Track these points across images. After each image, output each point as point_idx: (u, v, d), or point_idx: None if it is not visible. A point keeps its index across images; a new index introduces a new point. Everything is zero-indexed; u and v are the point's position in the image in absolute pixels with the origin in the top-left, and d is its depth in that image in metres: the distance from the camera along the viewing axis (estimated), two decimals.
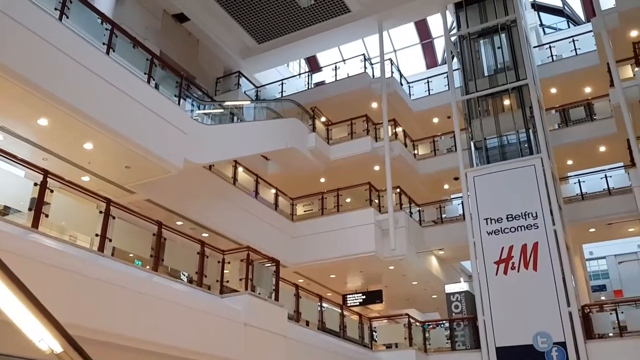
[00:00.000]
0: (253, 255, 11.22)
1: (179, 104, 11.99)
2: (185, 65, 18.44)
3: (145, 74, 11.26)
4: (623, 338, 13.36)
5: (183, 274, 11.70)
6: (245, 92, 20.89)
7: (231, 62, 21.29)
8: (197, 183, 13.61)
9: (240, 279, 10.97)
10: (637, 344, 12.76)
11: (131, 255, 10.34)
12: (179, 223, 13.42)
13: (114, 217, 9.07)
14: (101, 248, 8.64)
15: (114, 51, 10.58)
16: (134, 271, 8.92)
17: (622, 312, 13.80)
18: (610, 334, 13.84)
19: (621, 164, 17.88)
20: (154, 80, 11.45)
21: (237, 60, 21.14)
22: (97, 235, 8.72)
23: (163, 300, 8.79)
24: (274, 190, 17.15)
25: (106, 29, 10.71)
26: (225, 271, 11.06)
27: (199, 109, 14.27)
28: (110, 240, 8.87)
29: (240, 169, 15.72)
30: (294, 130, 16.61)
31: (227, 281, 10.96)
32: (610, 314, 14.03)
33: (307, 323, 13.24)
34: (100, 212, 8.94)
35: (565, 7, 27.71)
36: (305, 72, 25.05)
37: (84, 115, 9.44)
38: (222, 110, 15.76)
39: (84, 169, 11.15)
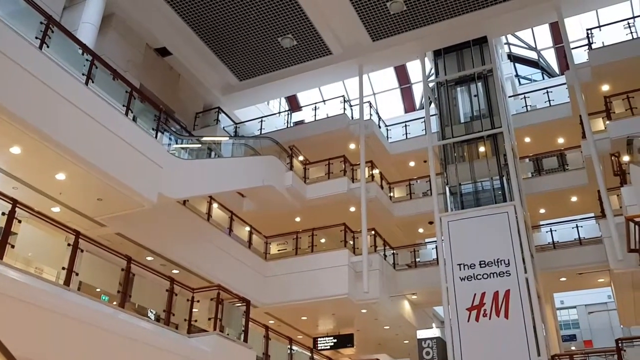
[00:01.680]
0: (223, 294, 11.04)
1: (156, 137, 11.92)
2: (165, 98, 18.44)
3: (123, 106, 11.20)
4: None
5: (151, 312, 11.41)
6: (224, 127, 20.92)
7: (211, 98, 21.38)
8: (170, 218, 13.43)
9: (210, 319, 10.74)
10: None
11: (98, 290, 10.09)
12: (149, 258, 13.16)
13: (82, 250, 8.86)
14: (67, 282, 8.40)
15: (93, 82, 10.53)
16: (99, 307, 8.67)
17: None
18: None
19: (592, 214, 18.20)
20: (132, 112, 11.39)
21: (218, 96, 21.24)
22: (63, 268, 8.49)
23: (128, 338, 8.54)
24: (248, 228, 17.00)
25: (87, 60, 10.68)
26: (194, 310, 10.84)
27: (177, 143, 14.20)
28: (77, 274, 8.64)
29: (215, 205, 15.59)
30: (272, 168, 16.60)
31: (196, 320, 10.73)
32: None
33: None
34: (69, 244, 8.73)
35: (540, 60, 28.63)
36: (285, 110, 25.25)
37: (59, 145, 9.30)
38: (199, 145, 15.70)
39: (55, 199, 10.93)
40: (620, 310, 17.23)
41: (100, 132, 10.14)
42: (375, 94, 28.23)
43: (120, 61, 16.52)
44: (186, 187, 12.92)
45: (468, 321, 14.15)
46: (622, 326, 19.95)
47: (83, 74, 10.35)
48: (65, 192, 10.72)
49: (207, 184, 13.92)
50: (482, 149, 17.25)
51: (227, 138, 19.75)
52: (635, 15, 20.43)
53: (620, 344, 13.11)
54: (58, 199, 10.91)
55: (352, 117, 20.58)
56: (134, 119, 11.49)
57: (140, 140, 11.17)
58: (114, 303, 9.40)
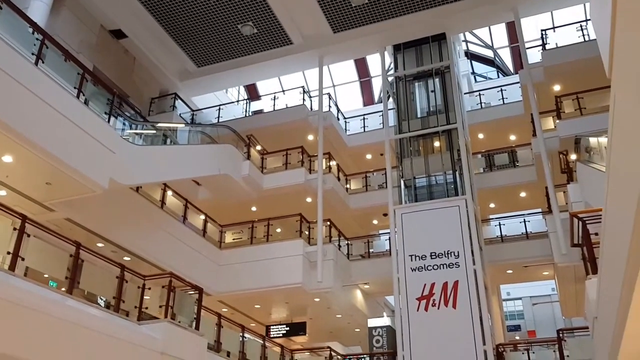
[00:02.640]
0: (176, 282, 10.97)
1: (109, 121, 11.68)
2: (119, 82, 18.03)
3: (75, 88, 10.92)
4: None
5: (101, 299, 11.25)
6: (180, 114, 20.61)
7: (168, 83, 21.00)
8: (122, 204, 13.22)
9: (161, 306, 10.66)
10: None
11: (46, 276, 9.88)
12: (99, 245, 12.94)
13: (29, 235, 8.66)
14: (12, 267, 8.20)
15: (43, 62, 10.22)
16: (46, 293, 8.48)
17: (533, 352, 14.36)
18: None
19: (539, 210, 18.83)
20: (84, 95, 11.11)
21: (174, 81, 20.88)
22: (9, 253, 8.28)
23: (75, 324, 8.40)
24: (203, 217, 16.89)
25: (37, 39, 10.36)
26: (145, 297, 10.74)
27: (131, 128, 13.95)
28: (22, 259, 8.45)
29: (169, 193, 15.42)
30: (228, 157, 16.52)
31: (147, 308, 10.63)
32: (523, 353, 14.56)
33: (228, 354, 12.97)
34: (15, 229, 8.51)
35: (496, 58, 29.29)
36: (244, 99, 25.09)
37: (5, 127, 8.98)
38: (154, 132, 15.47)
39: (1, 182, 10.60)
40: (563, 302, 17.93)
41: (50, 114, 9.87)
42: (334, 86, 28.35)
43: (72, 42, 16.06)
44: (139, 174, 12.74)
45: (417, 310, 14.49)
46: (564, 317, 20.73)
47: (33, 54, 10.03)
48: (12, 175, 10.40)
49: (162, 171, 13.74)
50: (437, 143, 17.59)
51: (183, 125, 19.51)
52: (587, 18, 21.08)
53: (561, 334, 13.65)
54: (4, 182, 10.58)
55: (311, 108, 20.65)
56: (86, 102, 11.22)
57: (92, 124, 10.91)
58: (63, 289, 9.23)
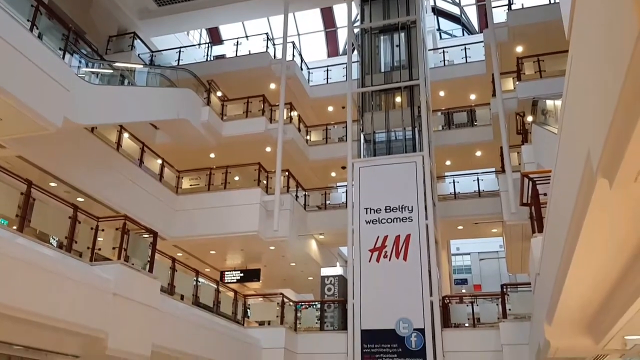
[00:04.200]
0: (130, 224, 10.88)
1: (63, 57, 11.21)
2: (75, 18, 17.26)
3: (28, 21, 10.40)
4: (476, 328, 14.59)
5: (53, 239, 11.08)
6: (139, 55, 19.96)
7: (127, 22, 20.20)
8: (77, 145, 12.89)
9: (114, 248, 10.60)
10: (486, 334, 13.97)
11: None
12: (52, 184, 12.65)
13: None
14: None
15: None
16: None
17: (477, 305, 15.04)
18: (466, 324, 15.04)
19: (493, 169, 19.33)
20: (37, 29, 10.60)
21: (134, 20, 20.09)
22: None
23: (26, 263, 8.28)
24: (160, 161, 16.65)
25: None
26: (99, 239, 10.63)
27: (87, 66, 13.44)
28: None
29: (126, 135, 15.09)
30: (188, 102, 16.20)
31: (100, 249, 10.55)
32: (467, 305, 15.23)
33: (182, 297, 13.08)
34: None
35: (462, 16, 29.25)
36: (206, 43, 24.41)
37: None
38: (111, 71, 14.93)
39: None
40: (509, 258, 18.69)
41: (0, 46, 9.40)
42: (299, 35, 27.86)
43: None
44: (95, 114, 12.37)
45: (369, 261, 14.88)
46: (509, 273, 21.65)
47: None
48: None
49: (118, 112, 13.38)
50: (398, 99, 17.67)
51: (142, 66, 18.90)
52: None
53: (505, 289, 14.29)
54: None
55: (275, 57, 20.30)
56: (40, 37, 10.71)
57: (45, 59, 10.44)
58: (14, 228, 9.04)
